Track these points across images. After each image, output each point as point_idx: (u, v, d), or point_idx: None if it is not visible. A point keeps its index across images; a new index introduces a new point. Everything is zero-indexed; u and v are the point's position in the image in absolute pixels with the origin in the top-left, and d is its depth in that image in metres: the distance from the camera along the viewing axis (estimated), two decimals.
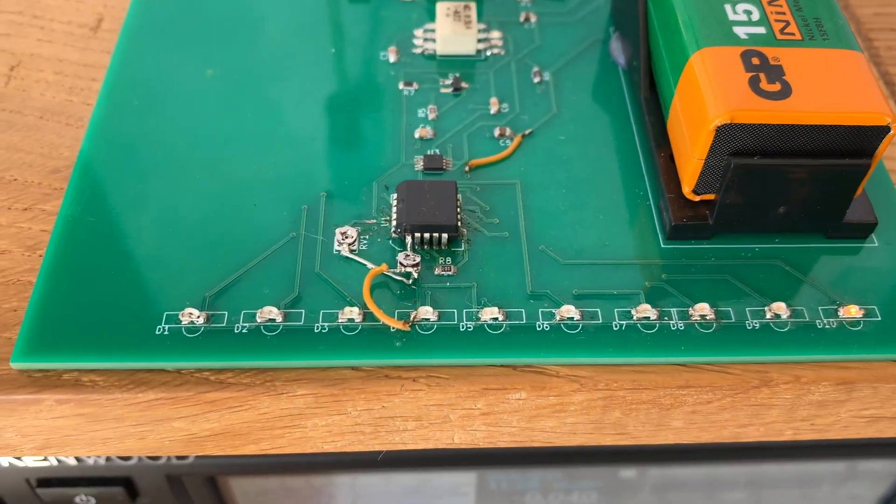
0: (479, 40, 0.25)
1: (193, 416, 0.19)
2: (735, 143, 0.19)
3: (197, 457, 0.26)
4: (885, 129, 0.18)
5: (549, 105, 0.24)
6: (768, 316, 0.19)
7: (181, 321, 0.19)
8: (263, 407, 0.19)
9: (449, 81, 0.24)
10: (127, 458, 0.26)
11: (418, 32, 0.25)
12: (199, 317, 0.19)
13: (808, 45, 0.20)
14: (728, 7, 0.20)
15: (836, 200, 0.20)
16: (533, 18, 0.26)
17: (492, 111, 0.23)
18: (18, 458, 0.26)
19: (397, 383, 0.19)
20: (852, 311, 0.19)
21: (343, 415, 0.19)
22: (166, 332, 0.19)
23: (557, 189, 0.22)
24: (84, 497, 0.28)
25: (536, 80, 0.24)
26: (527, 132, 0.23)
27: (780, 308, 0.19)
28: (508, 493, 0.31)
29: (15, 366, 0.18)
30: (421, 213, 0.20)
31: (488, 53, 0.25)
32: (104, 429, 0.19)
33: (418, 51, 0.25)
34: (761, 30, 0.20)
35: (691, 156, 0.19)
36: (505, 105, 0.23)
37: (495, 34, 0.25)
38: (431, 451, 0.27)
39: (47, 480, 0.28)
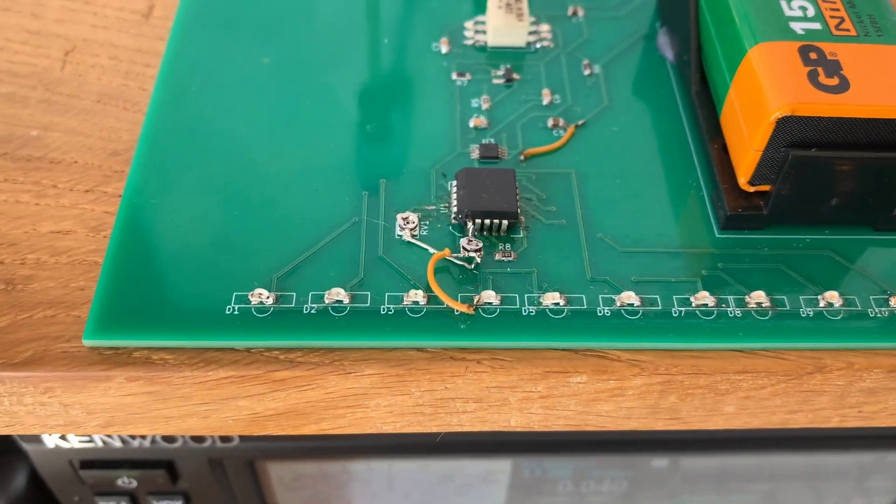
0: (529, 33, 0.25)
1: (260, 395, 0.19)
2: (793, 135, 0.19)
3: (240, 440, 0.27)
4: None
5: (601, 97, 0.24)
6: (821, 304, 0.20)
7: (250, 301, 0.19)
8: (330, 386, 0.19)
9: (500, 73, 0.24)
10: (171, 441, 0.27)
11: (469, 24, 0.26)
12: (268, 297, 0.19)
13: (863, 41, 0.20)
14: (783, 3, 0.21)
15: (886, 193, 0.20)
16: (581, 13, 0.26)
17: (544, 102, 0.24)
18: (64, 439, 0.27)
19: (462, 365, 0.19)
20: None
21: (406, 395, 0.20)
22: (236, 312, 0.19)
23: (612, 179, 0.22)
24: (126, 479, 0.28)
25: (587, 72, 0.25)
26: (580, 123, 0.23)
27: (832, 297, 0.20)
28: (541, 480, 0.31)
29: (87, 343, 0.19)
30: (482, 200, 0.20)
31: (538, 46, 0.25)
32: (169, 407, 0.20)
33: (469, 42, 0.25)
34: (817, 26, 0.20)
35: (748, 147, 0.20)
36: (557, 96, 0.24)
37: (544, 27, 0.26)
38: (469, 438, 0.28)
39: (91, 462, 0.28)
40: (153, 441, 0.27)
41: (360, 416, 0.20)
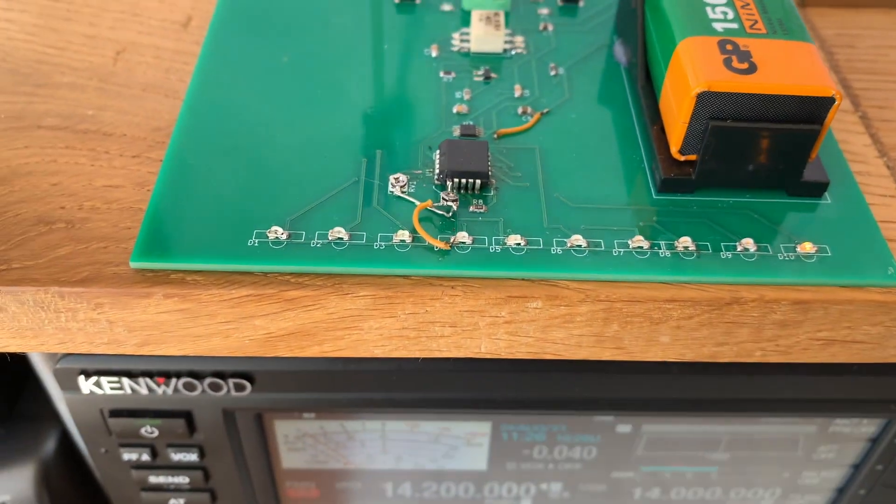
0: (506, 42, 0.30)
1: (273, 315, 0.23)
2: (712, 108, 0.24)
3: (252, 389, 0.31)
4: (830, 100, 0.23)
5: (563, 92, 0.29)
6: (739, 249, 0.24)
7: (268, 237, 0.23)
8: (332, 306, 0.23)
9: (481, 72, 0.29)
10: (191, 389, 0.30)
11: (455, 35, 0.31)
12: (282, 234, 0.23)
13: (772, 38, 0.25)
14: (708, 9, 0.26)
15: (794, 160, 0.25)
16: (550, 27, 0.31)
17: (515, 95, 0.28)
18: (98, 386, 0.30)
19: (439, 289, 0.23)
20: (807, 247, 0.24)
21: (393, 318, 0.24)
22: (256, 245, 0.23)
23: (569, 154, 0.26)
24: (149, 429, 0.32)
25: (553, 73, 0.29)
26: (545, 111, 0.28)
27: (748, 243, 0.24)
28: (518, 444, 0.35)
29: (133, 265, 0.23)
30: (459, 163, 0.25)
31: (513, 53, 0.30)
32: (197, 325, 0.24)
33: (455, 49, 0.30)
34: (734, 25, 0.25)
35: (678, 121, 0.24)
36: (527, 91, 0.29)
37: (519, 38, 0.31)
38: (453, 397, 0.32)
39: (118, 411, 0.32)
40: (175, 390, 0.31)
41: (356, 338, 0.24)
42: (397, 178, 0.25)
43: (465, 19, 0.31)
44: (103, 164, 0.26)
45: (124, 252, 0.24)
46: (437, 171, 0.25)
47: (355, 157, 0.26)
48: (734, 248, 0.24)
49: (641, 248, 0.24)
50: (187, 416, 0.32)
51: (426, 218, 0.24)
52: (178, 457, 0.34)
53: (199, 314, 0.23)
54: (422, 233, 0.23)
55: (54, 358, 0.30)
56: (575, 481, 0.37)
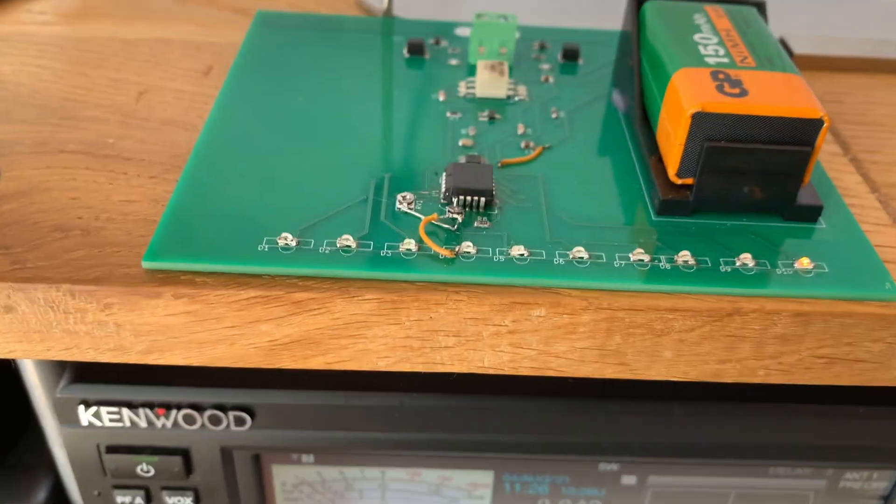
0: (509, 89, 0.32)
1: (279, 319, 0.24)
2: (706, 129, 0.25)
3: (252, 424, 0.30)
4: (819, 122, 0.25)
5: (565, 131, 0.30)
6: (738, 263, 0.24)
7: (278, 243, 0.24)
8: (337, 310, 0.23)
9: (485, 114, 0.31)
10: (191, 423, 0.30)
11: (462, 84, 0.32)
12: (291, 240, 0.24)
13: (761, 70, 0.26)
14: (700, 47, 0.27)
15: (788, 182, 0.25)
16: (552, 79, 0.33)
17: (519, 132, 0.30)
18: (98, 419, 0.30)
19: (444, 294, 0.23)
20: (805, 262, 0.24)
21: (398, 325, 0.24)
22: (266, 250, 0.24)
23: (571, 182, 0.27)
24: (145, 467, 0.31)
25: (554, 115, 0.31)
26: (547, 145, 0.29)
27: (746, 258, 0.24)
28: (521, 497, 0.34)
29: (145, 265, 0.23)
30: (465, 181, 0.26)
31: (516, 99, 0.32)
32: (203, 330, 0.24)
33: (462, 95, 0.32)
34: (725, 60, 0.27)
35: (674, 144, 0.25)
36: (529, 129, 0.30)
37: (522, 88, 0.32)
38: (453, 439, 0.31)
39: (115, 447, 0.31)
40: (175, 423, 0.30)
41: (361, 347, 0.24)
42: (404, 196, 0.26)
43: (472, 71, 0.33)
44: (121, 183, 0.27)
45: (137, 256, 0.24)
46: (443, 189, 0.26)
47: (364, 180, 0.27)
48: (733, 262, 0.24)
49: (642, 260, 0.24)
50: (185, 454, 0.31)
51: (431, 232, 0.25)
52: (172, 500, 0.33)
53: (206, 317, 0.24)
54: (427, 241, 0.24)
55: (55, 388, 0.30)
56: None
